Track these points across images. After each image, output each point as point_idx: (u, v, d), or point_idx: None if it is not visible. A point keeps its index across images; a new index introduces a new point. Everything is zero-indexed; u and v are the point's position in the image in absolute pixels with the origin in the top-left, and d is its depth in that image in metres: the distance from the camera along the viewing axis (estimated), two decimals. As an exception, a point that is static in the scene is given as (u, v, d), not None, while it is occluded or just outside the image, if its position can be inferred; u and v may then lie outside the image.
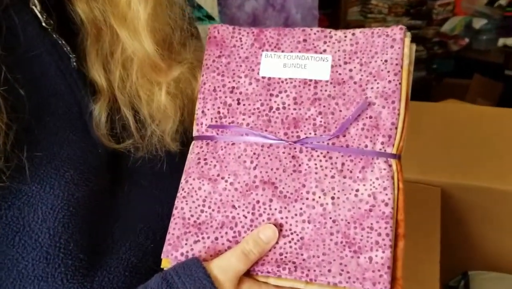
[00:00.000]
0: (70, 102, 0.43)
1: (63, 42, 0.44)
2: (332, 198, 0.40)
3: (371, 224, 0.39)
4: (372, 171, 0.40)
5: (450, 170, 0.92)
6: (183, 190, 0.43)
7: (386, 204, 0.39)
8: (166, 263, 0.42)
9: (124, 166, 0.47)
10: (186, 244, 0.41)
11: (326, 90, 0.43)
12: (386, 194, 0.39)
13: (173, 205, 0.43)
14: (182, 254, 0.40)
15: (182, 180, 0.44)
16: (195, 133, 0.46)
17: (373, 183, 0.40)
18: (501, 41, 2.00)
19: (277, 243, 0.40)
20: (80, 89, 0.44)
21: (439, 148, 0.99)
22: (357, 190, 0.40)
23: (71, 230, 0.39)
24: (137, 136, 0.47)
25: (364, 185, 0.40)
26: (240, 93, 0.45)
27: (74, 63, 0.44)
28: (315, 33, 0.45)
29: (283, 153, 0.43)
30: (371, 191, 0.40)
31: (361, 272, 0.37)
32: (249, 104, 0.45)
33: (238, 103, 0.45)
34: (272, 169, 0.42)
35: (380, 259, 0.37)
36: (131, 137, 0.46)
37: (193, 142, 0.46)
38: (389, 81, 0.42)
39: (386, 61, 0.42)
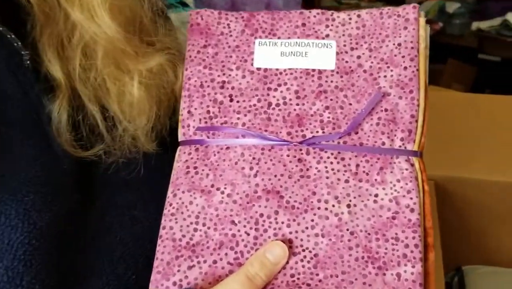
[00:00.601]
0: (25, 109, 0.36)
1: (13, 36, 0.36)
2: (348, 205, 0.35)
3: (396, 234, 0.34)
4: (392, 172, 0.35)
5: (443, 163, 0.89)
6: (171, 205, 0.37)
7: (412, 210, 0.34)
8: None
9: (95, 179, 0.40)
10: (178, 270, 0.35)
11: (332, 81, 0.38)
12: (411, 198, 0.34)
13: (156, 224, 0.37)
14: (174, 283, 0.34)
15: (169, 194, 0.38)
16: (181, 138, 0.40)
17: (394, 186, 0.35)
18: (475, 25, 2.00)
19: (287, 262, 0.34)
20: (36, 92, 0.37)
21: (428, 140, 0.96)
22: (376, 195, 0.35)
23: (34, 268, 0.33)
24: (108, 139, 0.40)
25: (383, 189, 0.35)
26: (233, 88, 0.39)
27: (28, 62, 0.37)
28: (315, 16, 0.39)
29: (288, 156, 0.37)
30: (393, 196, 0.35)
31: None
32: (244, 101, 0.39)
33: (231, 100, 0.39)
34: (275, 176, 0.37)
35: (410, 275, 0.32)
36: (100, 140, 0.40)
37: (179, 148, 0.40)
38: (405, 68, 0.37)
39: (399, 45, 0.37)
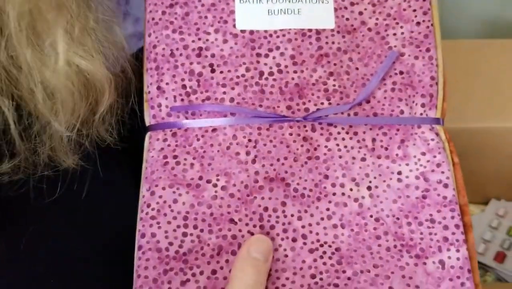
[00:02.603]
0: None
1: None
2: (369, 188, 0.31)
3: (431, 215, 0.30)
4: (414, 144, 0.31)
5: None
6: (149, 206, 0.30)
7: (446, 185, 0.30)
8: None
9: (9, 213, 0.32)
10: (170, 288, 0.28)
11: (333, 43, 0.33)
12: (442, 172, 0.30)
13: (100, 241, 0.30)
14: (167, 306, 0.28)
15: (144, 192, 0.31)
16: (150, 121, 0.33)
17: (419, 160, 0.31)
18: None
19: (303, 262, 0.29)
20: None
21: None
22: (400, 173, 0.31)
23: None
24: (21, 149, 0.31)
25: (407, 165, 0.31)
26: (213, 56, 0.33)
27: None
28: None
29: (290, 134, 0.32)
30: (419, 172, 0.31)
31: (435, 283, 0.28)
32: (229, 71, 0.33)
33: (212, 71, 0.33)
34: (278, 160, 0.31)
35: (456, 261, 0.29)
36: (13, 154, 0.30)
37: (148, 134, 0.33)
38: (418, 24, 0.33)
39: None
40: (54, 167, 0.32)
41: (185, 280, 0.28)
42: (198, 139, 0.32)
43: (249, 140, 0.31)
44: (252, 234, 0.30)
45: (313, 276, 0.29)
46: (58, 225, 0.34)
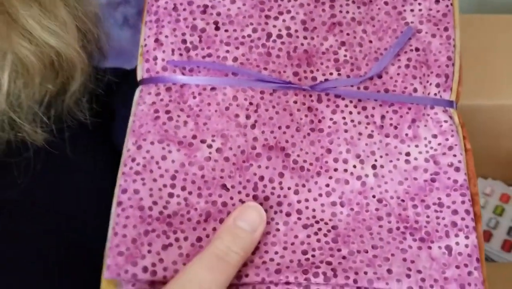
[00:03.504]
0: None
1: None
2: (374, 166, 0.29)
3: (439, 199, 0.28)
4: (426, 125, 0.30)
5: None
6: (134, 161, 0.28)
7: (457, 169, 0.29)
8: (109, 287, 0.26)
9: None
10: (149, 251, 0.26)
11: (348, 12, 0.32)
12: (454, 155, 0.29)
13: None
14: (145, 269, 0.25)
15: (130, 146, 0.28)
16: (143, 75, 0.31)
17: (430, 142, 0.29)
18: None
19: (296, 237, 0.27)
20: None
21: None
22: (408, 154, 0.29)
23: None
24: None
25: (416, 146, 0.29)
26: (218, 14, 0.31)
27: None
28: None
29: (295, 102, 0.30)
30: (429, 154, 0.29)
31: (439, 269, 0.26)
32: (235, 30, 0.31)
33: (217, 28, 0.31)
34: (280, 128, 0.29)
35: (464, 248, 0.27)
36: None
37: (140, 88, 0.30)
38: (437, 1, 0.32)
39: None
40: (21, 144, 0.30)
41: (167, 244, 0.26)
42: (194, 97, 0.29)
43: (250, 103, 0.29)
44: (244, 203, 0.27)
45: (304, 252, 0.27)
46: (16, 208, 0.32)
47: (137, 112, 0.29)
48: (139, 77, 0.31)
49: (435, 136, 0.30)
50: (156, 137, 0.28)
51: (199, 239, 0.26)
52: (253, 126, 0.29)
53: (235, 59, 0.30)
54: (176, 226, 0.27)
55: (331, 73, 0.30)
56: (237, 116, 0.29)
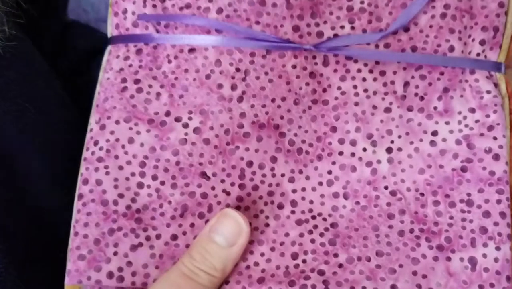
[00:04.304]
0: None
1: None
2: (389, 149, 0.23)
3: (468, 195, 0.23)
4: (462, 96, 0.24)
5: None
6: (96, 144, 0.24)
7: (496, 157, 0.23)
8: None
9: None
10: (116, 253, 0.23)
11: None
12: (495, 138, 0.23)
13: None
14: (110, 275, 0.22)
15: (92, 125, 0.24)
16: (112, 32, 0.26)
17: (465, 119, 0.23)
18: None
19: (287, 235, 0.23)
20: None
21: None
22: (435, 133, 0.23)
23: None
24: None
25: (447, 124, 0.23)
26: None
27: None
28: None
29: (293, 67, 0.24)
30: (462, 134, 0.23)
31: (457, 287, 0.22)
32: None
33: None
34: (273, 100, 0.24)
35: (493, 263, 0.22)
36: None
37: (108, 50, 0.25)
38: None
39: None
40: None
41: (136, 245, 0.23)
42: (169, 61, 0.24)
43: (237, 69, 0.24)
44: (228, 194, 0.23)
45: (294, 256, 0.23)
46: None
47: (103, 81, 0.25)
48: (109, 33, 0.26)
49: (472, 110, 0.23)
50: (122, 115, 0.24)
51: (174, 237, 0.23)
52: (240, 98, 0.24)
53: (219, 10, 0.24)
54: (147, 222, 0.23)
55: (342, 27, 0.24)
56: (220, 87, 0.24)
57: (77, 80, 0.38)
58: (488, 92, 0.23)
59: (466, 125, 0.23)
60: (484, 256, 0.22)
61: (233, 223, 0.22)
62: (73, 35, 0.40)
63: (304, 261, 0.23)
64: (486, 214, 0.22)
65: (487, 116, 0.23)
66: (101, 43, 0.39)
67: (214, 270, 0.21)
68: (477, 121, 0.23)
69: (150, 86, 0.24)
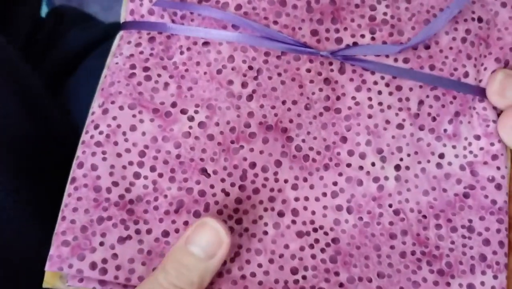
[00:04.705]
0: None
1: None
2: (397, 167, 0.23)
3: (470, 221, 0.22)
4: (469, 122, 0.23)
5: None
6: (96, 128, 0.23)
7: (499, 186, 0.22)
8: (53, 279, 0.22)
9: None
10: (102, 243, 0.21)
11: None
12: (498, 168, 0.22)
13: None
14: (93, 266, 0.21)
15: (94, 108, 0.23)
16: (126, 17, 0.25)
17: (470, 144, 0.23)
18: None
19: (286, 247, 0.22)
20: None
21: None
22: (442, 156, 0.23)
23: None
24: None
25: (454, 148, 0.23)
26: None
27: None
28: None
29: (308, 71, 0.23)
30: (466, 160, 0.23)
31: None
32: None
33: None
34: (284, 102, 0.23)
35: None
36: None
37: (120, 34, 0.25)
38: None
39: None
40: None
41: (125, 237, 0.22)
42: (181, 52, 0.24)
43: (250, 67, 0.23)
44: (227, 194, 0.22)
45: (294, 271, 0.22)
46: None
47: (111, 65, 0.24)
48: (122, 19, 0.25)
49: (477, 137, 0.23)
50: (127, 101, 0.23)
51: (165, 234, 0.22)
52: (249, 97, 0.23)
53: (238, 7, 0.24)
54: (139, 214, 0.22)
55: (362, 35, 0.23)
56: (230, 83, 0.23)
57: (64, 81, 0.37)
58: (494, 121, 0.23)
59: (470, 152, 0.23)
60: (482, 283, 0.21)
61: (212, 233, 0.20)
62: (64, 25, 0.38)
63: (304, 278, 0.22)
64: (486, 242, 0.22)
65: (492, 144, 0.23)
66: (97, 34, 0.38)
67: (191, 285, 0.20)
68: (481, 148, 0.23)
69: (159, 75, 0.23)
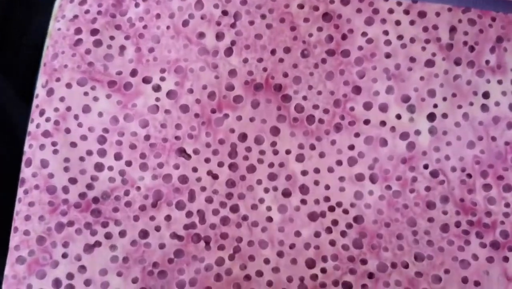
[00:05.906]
0: None
1: None
2: (431, 116, 0.18)
3: None
4: None
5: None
6: (42, 115, 0.18)
7: None
8: None
9: None
10: (65, 255, 0.17)
11: None
12: None
13: None
14: (57, 283, 0.17)
15: (39, 90, 0.19)
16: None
17: None
18: None
19: (297, 234, 0.18)
20: None
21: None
22: (486, 95, 0.18)
23: None
24: None
25: (499, 83, 0.18)
26: None
27: None
28: None
29: (300, 6, 0.18)
30: None
31: None
32: None
33: None
34: (273, 52, 0.18)
35: None
36: None
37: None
38: None
39: None
40: None
41: (92, 244, 0.18)
42: (136, 5, 0.19)
43: (224, 12, 0.18)
44: (216, 177, 0.18)
45: (310, 264, 0.17)
46: None
47: (53, 33, 0.19)
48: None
49: None
50: (75, 76, 0.18)
51: (143, 235, 0.18)
52: (228, 51, 0.18)
53: None
54: (108, 215, 0.18)
55: None
56: (201, 36, 0.18)
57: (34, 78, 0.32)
58: None
59: None
60: None
61: None
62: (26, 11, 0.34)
63: (323, 271, 0.17)
64: None
65: None
66: None
67: None
68: None
69: (111, 38, 0.19)
